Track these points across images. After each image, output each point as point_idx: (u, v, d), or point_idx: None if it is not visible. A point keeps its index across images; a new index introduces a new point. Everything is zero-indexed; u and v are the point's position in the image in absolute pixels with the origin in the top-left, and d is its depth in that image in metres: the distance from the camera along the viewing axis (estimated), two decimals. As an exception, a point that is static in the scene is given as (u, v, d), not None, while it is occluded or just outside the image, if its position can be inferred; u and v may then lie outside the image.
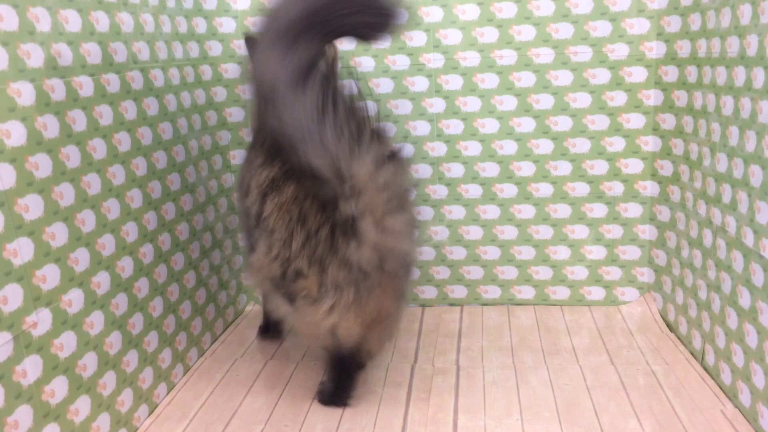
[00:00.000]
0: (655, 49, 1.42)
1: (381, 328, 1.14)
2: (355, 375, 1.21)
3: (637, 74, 1.45)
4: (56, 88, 0.94)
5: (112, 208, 1.07)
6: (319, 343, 1.16)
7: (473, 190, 1.56)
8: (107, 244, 1.05)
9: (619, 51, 1.44)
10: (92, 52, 1.03)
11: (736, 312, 1.12)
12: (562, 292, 1.60)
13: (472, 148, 1.53)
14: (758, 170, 1.03)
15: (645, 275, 1.55)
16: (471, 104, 1.51)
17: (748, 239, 1.07)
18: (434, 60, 1.50)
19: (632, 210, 1.52)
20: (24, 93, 0.87)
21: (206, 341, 1.44)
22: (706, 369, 1.26)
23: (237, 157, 1.59)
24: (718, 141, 1.18)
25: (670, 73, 1.39)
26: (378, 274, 1.07)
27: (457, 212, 1.58)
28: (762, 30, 1.01)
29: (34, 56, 0.90)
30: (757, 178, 1.03)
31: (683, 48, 1.32)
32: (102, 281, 1.04)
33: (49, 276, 0.91)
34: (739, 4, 1.08)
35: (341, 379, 1.20)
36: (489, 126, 1.51)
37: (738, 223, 1.11)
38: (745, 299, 1.09)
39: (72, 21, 0.98)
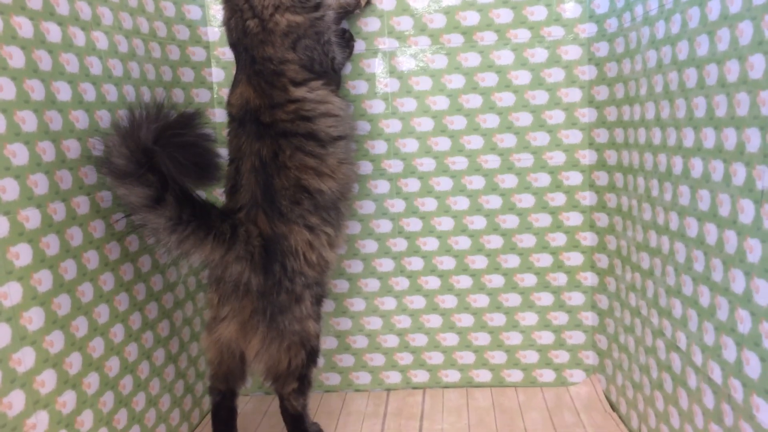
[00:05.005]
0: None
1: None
2: None
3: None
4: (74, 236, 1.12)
5: (117, 333, 1.23)
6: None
7: (432, 282, 1.71)
8: (113, 366, 1.21)
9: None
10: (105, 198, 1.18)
11: (662, 396, 1.26)
12: (516, 375, 1.73)
13: (430, 244, 1.70)
14: (671, 270, 1.20)
15: (590, 358, 1.70)
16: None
17: (668, 331, 1.23)
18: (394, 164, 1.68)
19: (575, 298, 1.68)
20: (51, 245, 1.05)
21: None
22: (643, 446, 1.39)
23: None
24: (641, 241, 1.35)
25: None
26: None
27: (417, 302, 1.72)
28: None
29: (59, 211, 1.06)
30: (671, 277, 1.20)
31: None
32: (107, 401, 1.18)
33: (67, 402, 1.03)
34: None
35: None
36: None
37: (660, 317, 1.27)
38: (668, 384, 1.23)
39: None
